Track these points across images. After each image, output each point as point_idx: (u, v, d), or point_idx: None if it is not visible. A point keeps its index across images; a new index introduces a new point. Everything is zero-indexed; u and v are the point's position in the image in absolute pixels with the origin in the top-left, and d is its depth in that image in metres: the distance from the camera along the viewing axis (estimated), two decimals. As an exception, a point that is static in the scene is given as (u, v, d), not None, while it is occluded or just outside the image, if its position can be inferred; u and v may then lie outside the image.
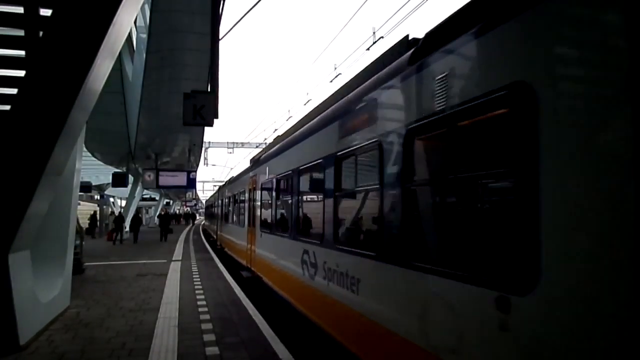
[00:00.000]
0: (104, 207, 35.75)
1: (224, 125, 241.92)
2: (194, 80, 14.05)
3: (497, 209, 2.96)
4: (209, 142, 38.96)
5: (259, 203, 10.52)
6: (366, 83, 4.72)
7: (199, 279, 11.23)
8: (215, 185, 62.36)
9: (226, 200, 19.44)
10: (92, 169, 29.74)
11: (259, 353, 5.43)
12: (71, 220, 7.83)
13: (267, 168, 9.49)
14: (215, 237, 25.52)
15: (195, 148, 24.86)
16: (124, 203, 37.71)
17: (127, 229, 27.12)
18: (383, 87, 4.12)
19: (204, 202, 71.32)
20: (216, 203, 26.01)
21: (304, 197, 6.92)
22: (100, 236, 28.72)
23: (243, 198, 13.52)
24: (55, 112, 4.78)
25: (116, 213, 35.00)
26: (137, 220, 25.89)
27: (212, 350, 5.49)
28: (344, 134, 5.01)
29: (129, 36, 14.89)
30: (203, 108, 7.53)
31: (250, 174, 11.99)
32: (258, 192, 10.61)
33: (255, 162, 11.61)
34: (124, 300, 8.48)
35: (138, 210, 35.57)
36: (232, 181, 18.21)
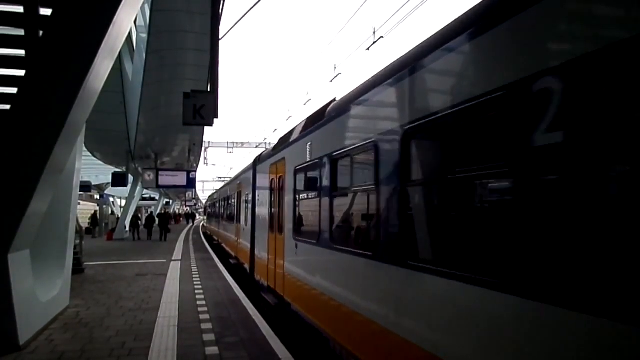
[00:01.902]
0: (104, 206, 35.78)
1: (223, 125, 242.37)
2: (194, 80, 14.02)
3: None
4: (209, 142, 38.90)
5: None
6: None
7: (198, 279, 11.23)
8: (219, 179, 58.06)
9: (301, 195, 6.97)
10: (92, 168, 29.76)
11: (259, 353, 5.43)
12: (71, 220, 7.83)
13: None
14: (243, 263, 12.79)
15: (195, 148, 24.85)
16: (123, 202, 37.72)
17: (127, 228, 27.22)
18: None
19: (203, 202, 70.05)
20: (249, 192, 12.21)
21: None
22: (100, 235, 28.75)
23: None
24: (55, 111, 4.79)
25: (117, 213, 35.52)
26: (151, 219, 28.60)
27: (212, 350, 5.50)
28: None
29: (129, 36, 14.89)
30: (203, 108, 7.53)
31: None
32: None
33: None
34: (123, 300, 8.48)
35: (138, 209, 35.83)
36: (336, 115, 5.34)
